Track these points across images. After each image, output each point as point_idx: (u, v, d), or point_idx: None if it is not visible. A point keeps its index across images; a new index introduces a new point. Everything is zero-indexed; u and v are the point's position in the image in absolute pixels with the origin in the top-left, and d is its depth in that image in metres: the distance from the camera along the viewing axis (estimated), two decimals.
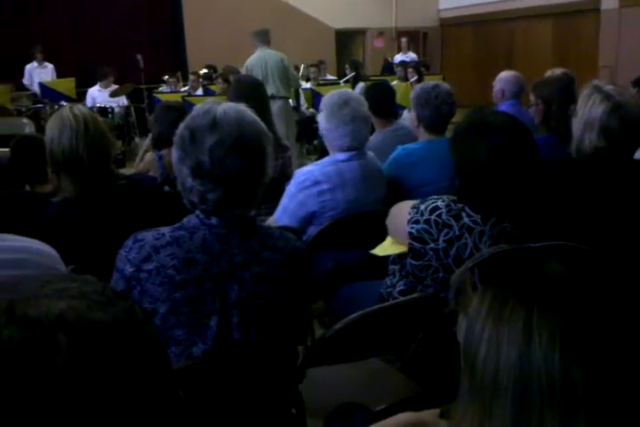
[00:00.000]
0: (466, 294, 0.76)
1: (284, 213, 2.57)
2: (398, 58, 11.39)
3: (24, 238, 1.34)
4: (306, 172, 2.55)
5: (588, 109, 2.11)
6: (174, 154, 1.38)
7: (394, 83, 7.75)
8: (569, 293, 0.70)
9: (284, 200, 2.57)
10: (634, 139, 2.13)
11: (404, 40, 11.83)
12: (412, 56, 11.46)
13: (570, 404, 0.66)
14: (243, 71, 6.41)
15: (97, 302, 0.57)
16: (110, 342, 0.56)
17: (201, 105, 1.40)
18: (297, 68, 9.39)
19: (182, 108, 3.26)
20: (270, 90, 6.06)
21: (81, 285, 0.60)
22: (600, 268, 0.75)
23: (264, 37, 6.36)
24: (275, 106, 6.10)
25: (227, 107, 1.38)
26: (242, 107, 1.41)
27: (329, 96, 2.60)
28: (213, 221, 1.38)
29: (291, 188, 2.56)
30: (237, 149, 1.33)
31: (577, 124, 2.16)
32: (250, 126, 1.37)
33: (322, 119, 2.57)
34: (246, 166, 1.34)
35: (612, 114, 2.06)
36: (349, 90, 2.67)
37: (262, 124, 1.41)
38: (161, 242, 1.36)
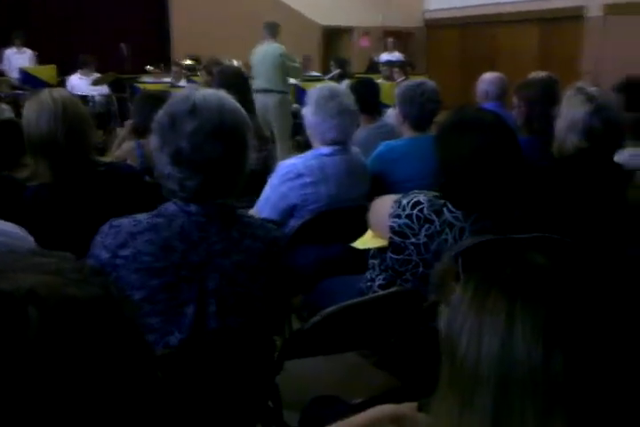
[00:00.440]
0: (448, 283, 0.76)
1: (265, 205, 2.55)
2: (384, 57, 11.40)
3: None
4: (289, 164, 2.53)
5: (571, 110, 2.13)
6: (153, 141, 1.36)
7: (379, 81, 7.74)
8: (552, 284, 0.70)
9: (266, 191, 2.55)
10: (615, 140, 2.15)
11: (390, 40, 11.87)
12: (397, 56, 11.47)
13: (551, 395, 0.66)
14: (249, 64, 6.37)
15: (72, 278, 0.55)
16: (84, 319, 0.54)
17: (180, 91, 1.38)
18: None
19: (163, 97, 3.20)
20: (267, 83, 6.00)
21: (57, 261, 0.58)
22: (581, 259, 0.75)
23: (270, 30, 6.33)
24: (272, 99, 6.06)
25: (206, 93, 1.36)
26: (222, 93, 1.39)
27: (316, 89, 2.58)
28: (192, 208, 1.36)
29: (273, 180, 2.54)
30: (217, 136, 1.31)
31: (560, 125, 2.18)
32: (230, 113, 1.35)
33: (308, 113, 2.55)
34: (226, 153, 1.32)
35: (595, 115, 2.08)
36: (335, 84, 2.65)
37: (243, 112, 1.39)
38: (138, 228, 1.34)
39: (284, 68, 6.31)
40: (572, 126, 2.12)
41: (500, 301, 0.69)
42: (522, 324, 0.68)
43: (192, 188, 1.33)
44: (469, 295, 0.72)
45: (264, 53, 6.22)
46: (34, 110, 1.92)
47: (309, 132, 2.59)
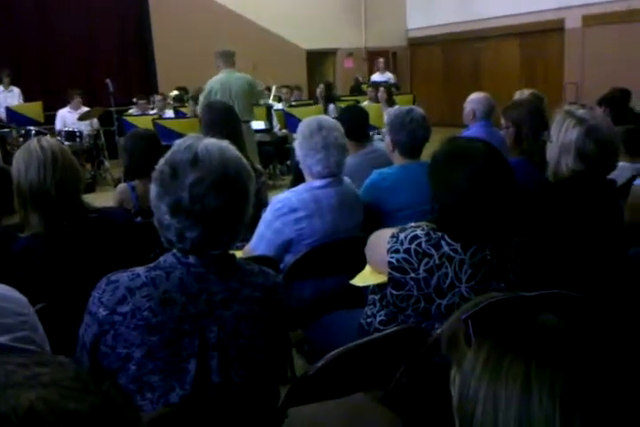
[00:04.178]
0: (459, 346, 0.73)
1: (260, 241, 2.52)
2: (375, 78, 11.46)
3: None
4: (282, 199, 2.51)
5: (562, 134, 2.13)
6: (152, 190, 1.33)
7: (365, 103, 7.81)
8: (567, 347, 0.67)
9: (261, 227, 2.53)
10: (609, 160, 2.15)
11: (380, 60, 11.92)
12: (388, 76, 11.53)
13: None
14: (204, 90, 6.29)
15: (70, 388, 0.53)
16: None
17: (182, 140, 1.36)
18: (268, 89, 9.40)
19: (152, 136, 3.24)
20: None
21: (53, 370, 0.55)
22: (594, 317, 0.73)
23: (228, 59, 6.22)
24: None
25: (209, 143, 1.33)
26: (225, 143, 1.36)
27: (303, 123, 2.59)
28: (191, 259, 1.33)
29: (267, 215, 2.52)
30: (218, 187, 1.28)
31: (552, 149, 2.17)
32: (233, 164, 1.32)
33: (297, 146, 2.56)
34: (227, 205, 1.30)
35: (587, 137, 2.08)
36: (325, 116, 2.64)
37: (245, 163, 1.37)
38: (136, 283, 1.31)
39: (252, 96, 6.30)
40: (564, 150, 2.12)
41: (515, 366, 0.67)
42: (539, 390, 0.65)
43: (191, 239, 1.30)
44: (482, 360, 0.69)
45: (227, 84, 6.09)
46: (23, 160, 1.90)
47: (300, 166, 2.59)
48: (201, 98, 6.26)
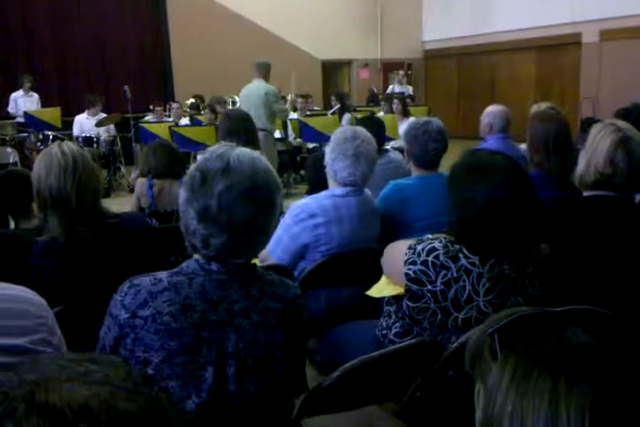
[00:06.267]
0: (484, 361, 0.72)
1: (277, 245, 2.53)
2: (395, 89, 11.49)
3: (5, 285, 1.28)
4: (302, 204, 2.53)
5: (597, 140, 2.13)
6: (182, 194, 1.33)
7: (380, 114, 7.82)
8: (596, 362, 0.66)
9: (279, 232, 2.53)
10: (636, 174, 2.13)
11: (400, 72, 11.99)
12: (409, 88, 11.55)
13: None
14: (238, 100, 6.53)
15: (122, 388, 0.53)
16: None
17: (215, 148, 1.36)
18: (284, 98, 9.44)
19: (168, 145, 3.42)
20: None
21: (105, 368, 0.56)
22: (622, 333, 0.72)
23: (260, 69, 6.50)
24: None
25: (241, 153, 1.33)
26: (256, 154, 1.37)
27: (340, 129, 2.65)
28: (213, 266, 1.33)
29: (286, 220, 2.53)
30: (247, 197, 1.29)
31: (584, 153, 2.17)
32: (262, 175, 1.32)
33: (327, 150, 2.58)
34: (253, 215, 1.30)
35: (620, 144, 2.08)
36: (363, 129, 2.64)
37: (275, 174, 1.37)
38: (158, 287, 1.31)
39: (268, 106, 6.41)
40: (596, 154, 2.12)
41: (542, 381, 0.66)
42: (566, 405, 0.64)
43: (215, 245, 1.30)
44: (508, 375, 0.68)
45: (249, 92, 6.40)
46: (44, 166, 1.91)
47: (327, 170, 2.60)
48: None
